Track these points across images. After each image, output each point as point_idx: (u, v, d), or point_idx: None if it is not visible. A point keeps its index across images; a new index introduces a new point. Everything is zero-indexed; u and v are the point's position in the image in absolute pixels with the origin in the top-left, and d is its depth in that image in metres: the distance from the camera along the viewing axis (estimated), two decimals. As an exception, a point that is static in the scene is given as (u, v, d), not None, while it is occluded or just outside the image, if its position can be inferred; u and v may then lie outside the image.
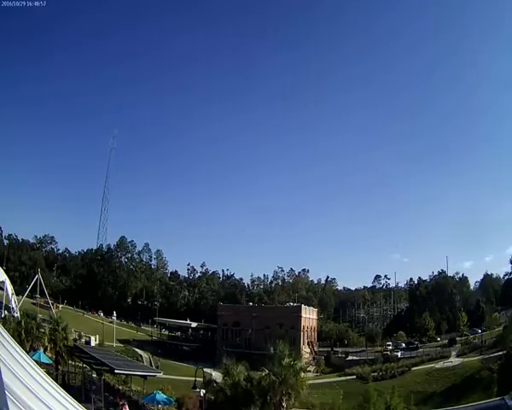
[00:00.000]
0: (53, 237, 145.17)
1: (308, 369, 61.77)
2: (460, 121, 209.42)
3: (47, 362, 38.92)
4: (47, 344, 42.46)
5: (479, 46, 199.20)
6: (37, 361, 20.33)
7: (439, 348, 75.94)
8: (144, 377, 41.47)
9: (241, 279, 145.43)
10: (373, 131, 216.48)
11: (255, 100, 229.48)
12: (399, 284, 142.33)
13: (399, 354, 77.08)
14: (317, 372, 75.76)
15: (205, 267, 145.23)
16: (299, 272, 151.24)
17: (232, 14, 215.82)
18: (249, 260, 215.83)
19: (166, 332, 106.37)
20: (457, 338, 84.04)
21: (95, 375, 40.95)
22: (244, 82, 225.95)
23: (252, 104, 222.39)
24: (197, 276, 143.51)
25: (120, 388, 40.63)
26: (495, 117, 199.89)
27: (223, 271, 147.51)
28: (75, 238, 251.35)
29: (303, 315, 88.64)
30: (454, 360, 64.74)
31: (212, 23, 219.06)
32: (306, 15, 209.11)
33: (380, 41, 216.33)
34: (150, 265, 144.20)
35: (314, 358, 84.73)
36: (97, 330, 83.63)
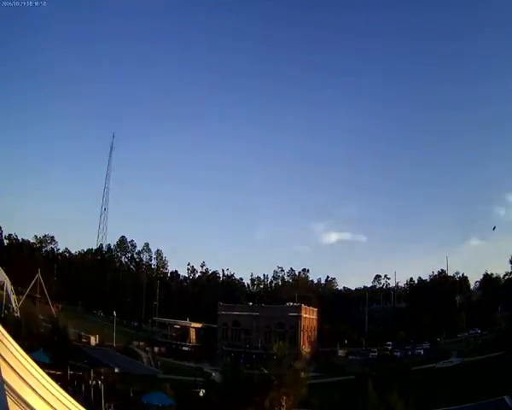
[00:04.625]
0: (53, 237, 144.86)
1: (308, 369, 61.78)
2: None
3: (47, 362, 38.93)
4: (47, 344, 42.52)
5: None
6: (36, 361, 20.33)
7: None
8: (144, 377, 41.50)
9: (241, 279, 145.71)
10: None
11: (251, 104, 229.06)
12: (399, 284, 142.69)
13: (399, 354, 77.23)
14: (317, 372, 75.71)
15: (205, 267, 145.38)
16: (299, 272, 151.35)
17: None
18: (249, 260, 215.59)
19: (166, 332, 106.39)
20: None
21: (95, 375, 40.98)
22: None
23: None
24: (197, 276, 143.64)
25: (121, 388, 40.63)
26: None
27: (223, 271, 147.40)
28: (75, 238, 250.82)
29: (303, 315, 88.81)
30: (454, 360, 64.81)
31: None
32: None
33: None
34: (150, 265, 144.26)
35: (314, 358, 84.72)
36: (97, 330, 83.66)
